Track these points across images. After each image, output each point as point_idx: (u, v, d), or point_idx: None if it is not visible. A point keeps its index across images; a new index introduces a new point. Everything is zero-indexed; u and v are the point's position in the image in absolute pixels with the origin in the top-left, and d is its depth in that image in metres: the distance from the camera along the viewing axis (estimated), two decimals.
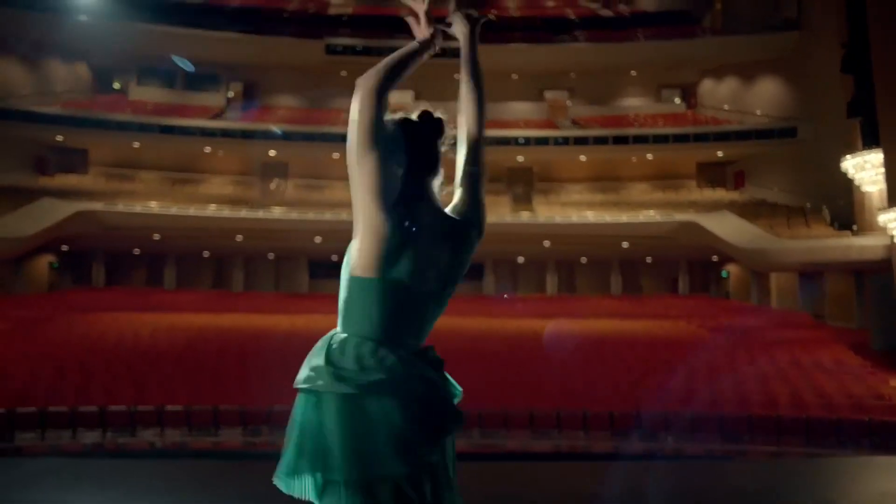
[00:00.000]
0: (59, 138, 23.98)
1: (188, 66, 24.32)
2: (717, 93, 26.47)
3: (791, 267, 19.47)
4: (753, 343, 15.48)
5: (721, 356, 14.03)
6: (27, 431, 9.95)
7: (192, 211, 22.57)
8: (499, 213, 24.56)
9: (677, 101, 27.70)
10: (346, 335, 1.58)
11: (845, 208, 19.87)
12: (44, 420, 9.97)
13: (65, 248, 23.63)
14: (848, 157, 17.65)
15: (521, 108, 27.61)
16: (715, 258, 24.59)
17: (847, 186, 19.11)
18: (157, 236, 22.97)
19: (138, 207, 22.48)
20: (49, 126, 23.17)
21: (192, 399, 10.67)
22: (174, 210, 22.41)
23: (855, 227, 19.19)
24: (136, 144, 24.43)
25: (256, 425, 10.35)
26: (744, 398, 10.89)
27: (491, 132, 25.30)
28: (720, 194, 25.17)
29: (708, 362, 13.40)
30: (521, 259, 25.96)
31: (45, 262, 24.20)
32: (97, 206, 21.89)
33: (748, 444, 9.66)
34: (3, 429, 9.89)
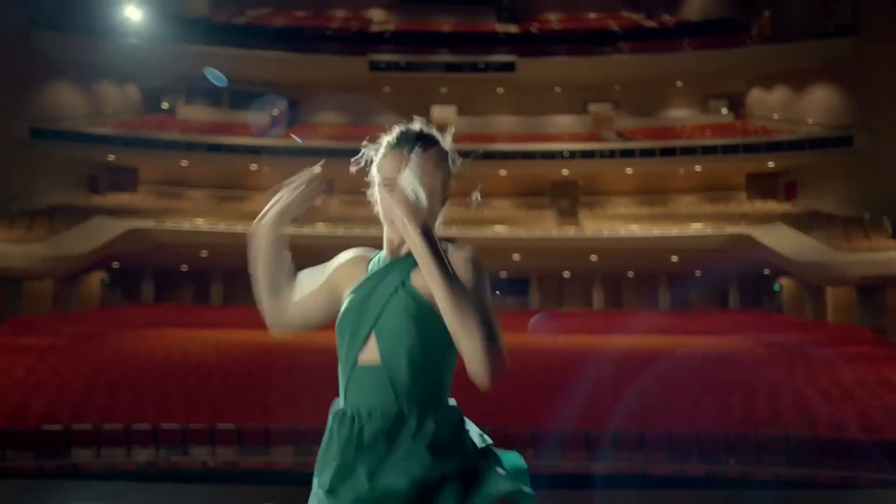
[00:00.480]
0: (111, 157, 24.50)
1: (222, 82, 24.65)
2: (767, 102, 25.86)
3: (852, 280, 18.81)
4: (813, 360, 14.92)
5: (780, 373, 13.54)
6: (83, 448, 10.03)
7: (238, 228, 22.79)
8: (544, 227, 24.32)
9: (724, 111, 27.16)
10: (440, 413, 1.40)
11: None
12: (98, 437, 10.03)
13: (115, 264, 24.07)
14: None
15: (564, 122, 27.37)
16: (766, 271, 23.93)
17: None
18: (204, 253, 23.25)
19: (186, 225, 22.80)
20: (101, 146, 23.71)
21: (244, 416, 10.64)
22: (221, 227, 22.67)
23: None
24: (185, 162, 24.84)
25: (308, 444, 10.26)
26: (809, 419, 10.44)
27: (535, 146, 25.14)
28: (771, 206, 24.52)
29: (766, 380, 12.93)
30: (566, 274, 25.62)
31: (96, 278, 24.67)
32: (147, 223, 22.26)
33: (817, 469, 9.23)
34: (60, 445, 9.98)
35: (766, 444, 9.70)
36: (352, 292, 1.49)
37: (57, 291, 22.49)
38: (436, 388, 1.40)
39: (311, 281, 1.59)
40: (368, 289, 1.48)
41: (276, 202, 1.58)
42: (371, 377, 1.40)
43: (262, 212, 1.55)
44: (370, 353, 1.41)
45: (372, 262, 1.58)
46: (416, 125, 1.59)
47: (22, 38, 22.21)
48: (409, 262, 1.47)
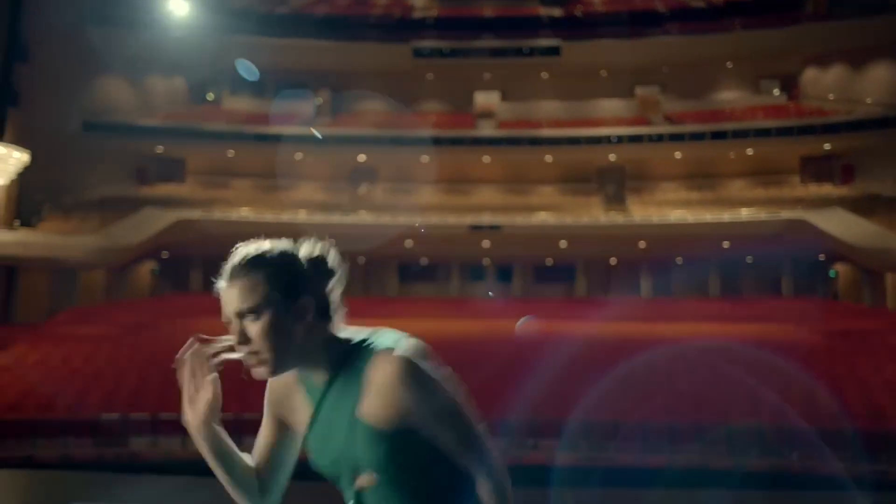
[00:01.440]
0: (159, 149, 24.87)
1: (254, 75, 24.73)
2: (822, 82, 25.00)
3: None
4: (875, 349, 14.42)
5: (841, 363, 13.11)
6: (140, 437, 10.19)
7: (284, 217, 22.96)
8: (590, 214, 23.97)
9: (777, 92, 26.34)
10: None
11: None
12: (155, 426, 10.18)
13: (165, 254, 24.48)
14: None
15: (611, 106, 26.87)
16: (822, 257, 23.21)
17: None
18: None
19: (234, 215, 23.05)
20: (150, 138, 24.09)
21: None
22: (268, 217, 22.86)
23: None
24: (231, 153, 25.08)
25: None
26: (876, 411, 10.07)
27: (580, 131, 24.74)
28: (827, 189, 23.75)
29: (827, 370, 12.52)
30: (613, 261, 25.24)
31: (147, 268, 25.13)
32: (195, 214, 22.56)
33: (888, 465, 8.88)
34: (118, 434, 10.15)
35: (830, 438, 9.37)
36: (307, 435, 1.36)
37: (109, 282, 22.98)
38: (443, 491, 1.28)
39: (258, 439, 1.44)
40: (321, 434, 1.33)
41: (186, 397, 1.37)
42: (377, 495, 1.29)
43: (184, 412, 1.37)
44: (362, 480, 1.29)
45: (306, 384, 1.38)
46: (238, 253, 1.32)
47: (74, 33, 22.61)
48: (347, 388, 1.29)
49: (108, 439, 10.01)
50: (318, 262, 1.37)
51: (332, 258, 1.39)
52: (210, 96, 28.10)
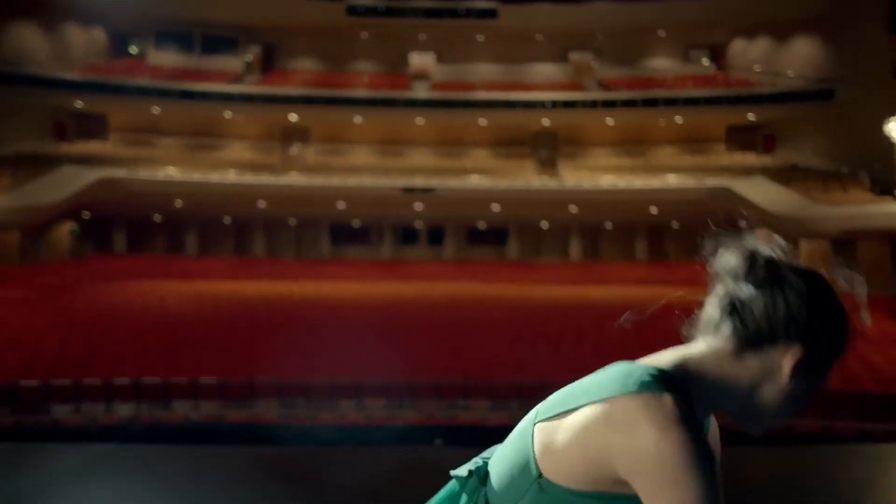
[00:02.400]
0: (79, 104, 23.68)
1: None
2: (749, 53, 25.66)
3: (829, 234, 19.01)
4: None
5: None
6: (62, 404, 9.86)
7: (214, 177, 22.33)
8: (524, 177, 24.16)
9: (706, 62, 26.94)
10: None
11: (884, 173, 19.29)
12: (78, 393, 9.87)
13: (86, 214, 23.52)
14: (892, 119, 17.03)
15: (545, 71, 26.96)
16: (743, 224, 24.04)
17: (886, 151, 18.52)
18: (179, 203, 22.78)
19: (161, 174, 22.27)
20: (68, 91, 22.86)
21: (226, 370, 10.53)
22: (196, 176, 22.19)
23: None
24: (156, 110, 24.12)
25: (293, 397, 10.20)
26: None
27: (515, 95, 24.79)
28: (751, 158, 24.57)
29: None
30: (544, 224, 25.60)
31: (65, 229, 24.10)
32: (119, 172, 21.70)
33: (797, 419, 9.37)
34: (39, 401, 9.80)
35: None
36: None
37: (24, 243, 21.92)
38: None
39: None
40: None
41: None
42: None
43: None
44: None
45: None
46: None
47: None
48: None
49: (27, 407, 9.66)
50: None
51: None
52: (133, 50, 26.84)
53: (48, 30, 24.02)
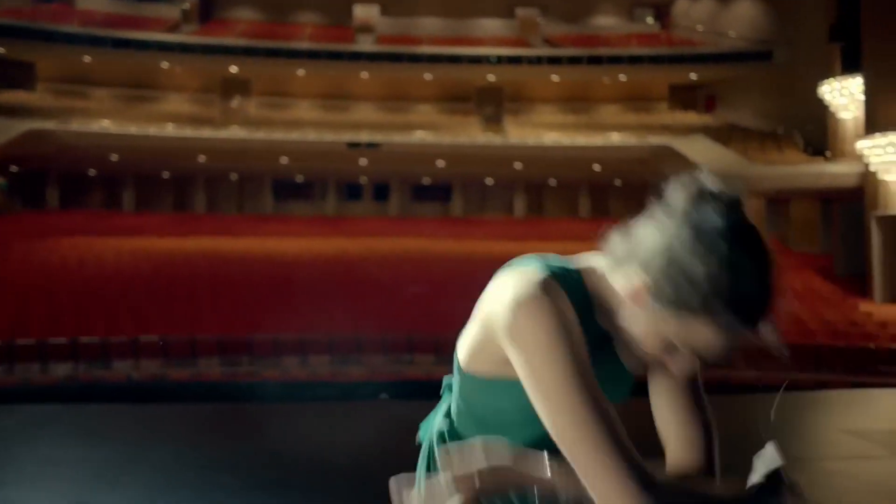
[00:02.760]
0: (1, 51, 22.46)
1: None
2: (692, 13, 25.93)
3: (764, 193, 19.59)
4: None
5: None
6: None
7: (151, 130, 21.61)
8: (469, 133, 24.10)
9: (650, 20, 27.12)
10: None
11: (817, 134, 19.91)
12: (11, 353, 9.59)
13: (14, 168, 22.53)
14: (827, 81, 17.51)
15: (491, 25, 26.74)
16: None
17: (820, 112, 19.08)
18: (114, 157, 22.00)
19: (94, 126, 21.41)
20: None
21: (168, 328, 10.37)
22: (132, 129, 21.42)
23: (828, 154, 19.28)
24: (88, 59, 23.06)
25: (236, 354, 10.14)
26: None
27: (461, 50, 24.55)
28: (692, 118, 25.01)
29: None
30: (489, 181, 25.68)
31: None
32: (49, 124, 20.77)
33: (728, 371, 9.79)
34: None
35: None
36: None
37: None
38: None
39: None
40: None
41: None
42: None
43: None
44: None
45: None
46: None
47: None
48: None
49: None
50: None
51: None
52: None
53: None
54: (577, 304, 0.96)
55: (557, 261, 1.02)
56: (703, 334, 0.89)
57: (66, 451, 3.63)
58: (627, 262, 0.95)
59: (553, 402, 0.90)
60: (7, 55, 22.87)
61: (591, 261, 1.03)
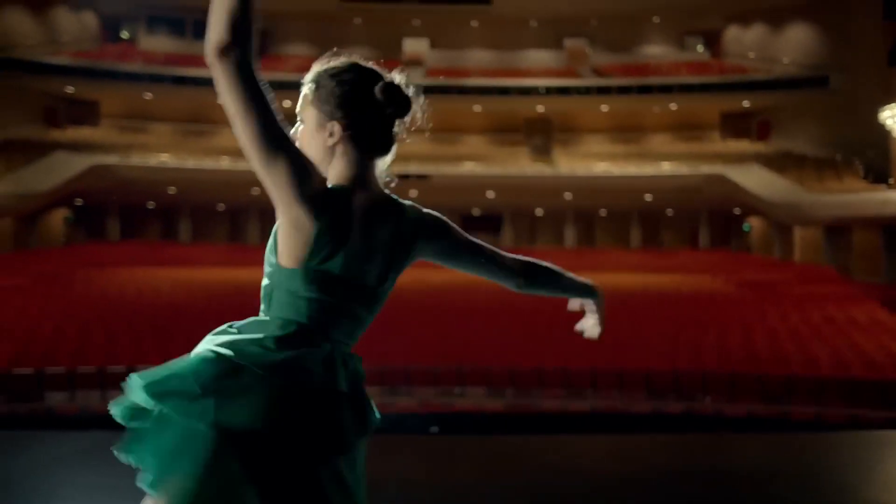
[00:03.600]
0: (70, 90, 23.51)
1: None
2: (743, 40, 25.62)
3: (823, 221, 19.07)
4: (783, 298, 15.20)
5: (752, 312, 13.78)
6: (56, 391, 9.85)
7: (207, 164, 22.22)
8: (517, 164, 24.13)
9: (700, 48, 26.88)
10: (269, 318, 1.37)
11: (877, 161, 19.32)
12: (72, 380, 9.85)
13: (79, 201, 23.40)
14: (889, 107, 17.02)
15: (539, 57, 26.87)
16: (737, 211, 24.15)
17: (881, 138, 18.54)
18: (172, 189, 22.67)
19: (153, 161, 22.14)
20: (59, 77, 22.68)
21: None
22: (190, 163, 22.07)
23: (891, 181, 18.66)
24: (148, 95, 23.96)
25: None
26: (781, 357, 10.66)
27: (509, 82, 24.70)
28: (744, 146, 24.58)
29: (739, 319, 13.15)
30: (539, 211, 25.59)
31: (59, 216, 23.99)
32: (112, 159, 21.56)
33: (789, 406, 9.45)
34: (32, 389, 9.79)
35: (740, 382, 9.90)
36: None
37: (17, 230, 21.82)
38: None
39: None
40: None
41: None
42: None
43: None
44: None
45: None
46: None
47: None
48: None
49: (21, 395, 9.64)
50: (389, 91, 1.43)
51: (407, 92, 1.45)
52: (125, 34, 26.64)
53: (39, 14, 23.81)
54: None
55: None
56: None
57: (122, 477, 3.69)
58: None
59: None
60: (75, 94, 23.92)
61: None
